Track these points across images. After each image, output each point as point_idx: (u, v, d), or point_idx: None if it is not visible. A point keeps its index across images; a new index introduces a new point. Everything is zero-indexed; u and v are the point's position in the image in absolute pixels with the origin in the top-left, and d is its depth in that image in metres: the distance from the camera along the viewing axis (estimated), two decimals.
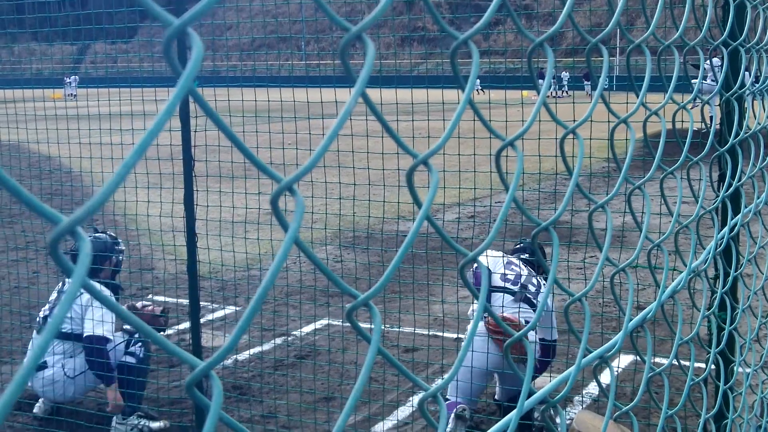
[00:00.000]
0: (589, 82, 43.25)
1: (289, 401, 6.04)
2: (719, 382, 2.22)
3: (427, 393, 0.84)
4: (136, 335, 6.14)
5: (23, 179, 6.86)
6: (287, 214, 0.67)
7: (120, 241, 6.52)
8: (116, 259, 6.35)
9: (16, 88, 7.45)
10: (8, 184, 0.48)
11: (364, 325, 0.80)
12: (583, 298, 1.19)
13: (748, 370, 2.57)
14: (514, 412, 1.00)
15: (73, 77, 44.92)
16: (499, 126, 1.40)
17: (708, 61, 2.12)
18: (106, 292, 5.32)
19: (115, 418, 5.93)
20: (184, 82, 0.52)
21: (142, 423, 5.93)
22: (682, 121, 1.88)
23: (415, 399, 6.22)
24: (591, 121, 3.68)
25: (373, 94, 0.90)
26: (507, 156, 1.29)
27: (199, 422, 5.61)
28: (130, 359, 6.02)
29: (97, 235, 6.34)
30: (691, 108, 1.73)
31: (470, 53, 0.90)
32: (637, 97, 1.34)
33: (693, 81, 2.08)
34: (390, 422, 5.93)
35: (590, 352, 1.29)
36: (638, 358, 6.62)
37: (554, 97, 36.77)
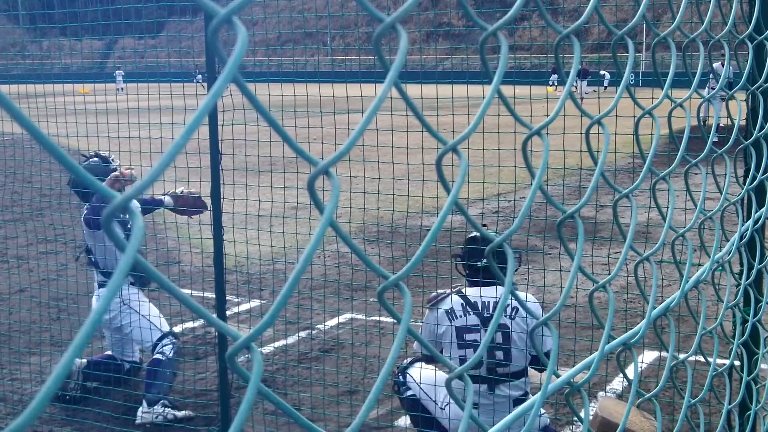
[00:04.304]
0: (582, 79, 41.45)
1: (313, 394, 6.09)
2: (742, 373, 2.23)
3: (454, 373, 0.87)
4: (169, 338, 6.26)
5: (52, 172, 6.96)
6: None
7: (112, 158, 6.56)
8: None
9: (46, 82, 7.55)
10: (68, 163, 0.51)
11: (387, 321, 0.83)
12: (607, 285, 1.21)
13: None
14: (539, 396, 1.03)
15: (118, 71, 45.48)
16: (525, 121, 1.42)
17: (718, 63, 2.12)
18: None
19: (140, 408, 6.01)
20: (230, 68, 0.55)
21: (167, 411, 6.01)
22: (708, 117, 1.89)
23: None
24: (616, 116, 3.68)
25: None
26: (532, 150, 1.31)
27: (224, 414, 5.66)
28: (158, 356, 6.14)
29: (91, 161, 6.45)
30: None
31: (496, 47, 0.93)
32: (662, 91, 1.36)
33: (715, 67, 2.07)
34: None
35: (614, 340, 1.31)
36: (663, 353, 6.61)
37: (580, 97, 36.10)
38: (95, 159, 6.49)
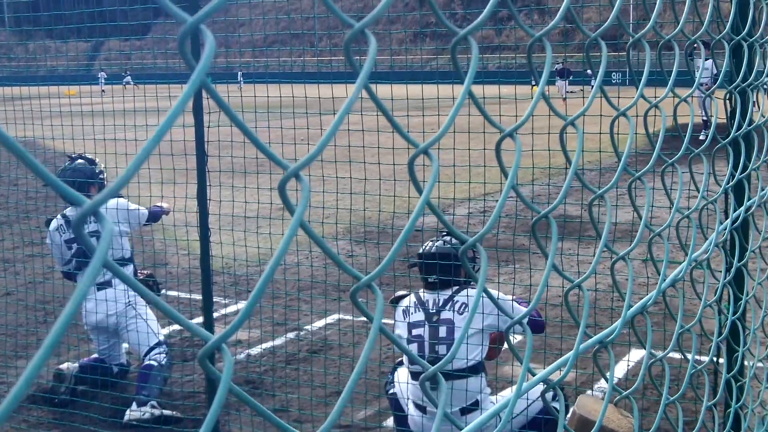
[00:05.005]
0: (563, 79, 40.59)
1: (301, 395, 6.09)
2: (722, 370, 2.25)
3: (428, 372, 0.88)
4: (163, 347, 6.28)
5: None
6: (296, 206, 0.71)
7: (97, 161, 6.59)
8: (99, 185, 6.44)
9: (31, 84, 7.52)
10: (37, 169, 0.52)
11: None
12: (582, 284, 1.22)
13: (753, 361, 2.60)
14: (512, 395, 1.04)
15: (101, 73, 45.28)
16: (509, 121, 1.44)
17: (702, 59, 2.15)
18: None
19: (128, 408, 6.01)
20: (197, 75, 0.56)
21: (154, 410, 6.02)
22: (685, 115, 1.91)
23: None
24: (600, 115, 3.70)
25: (385, 89, 0.94)
26: (513, 150, 1.32)
27: None
28: (151, 362, 6.15)
29: (77, 162, 6.45)
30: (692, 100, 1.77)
31: (483, 47, 0.94)
32: (637, 89, 1.37)
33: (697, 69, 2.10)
34: None
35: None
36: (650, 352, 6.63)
37: (563, 97, 35.71)
38: (81, 161, 6.48)
